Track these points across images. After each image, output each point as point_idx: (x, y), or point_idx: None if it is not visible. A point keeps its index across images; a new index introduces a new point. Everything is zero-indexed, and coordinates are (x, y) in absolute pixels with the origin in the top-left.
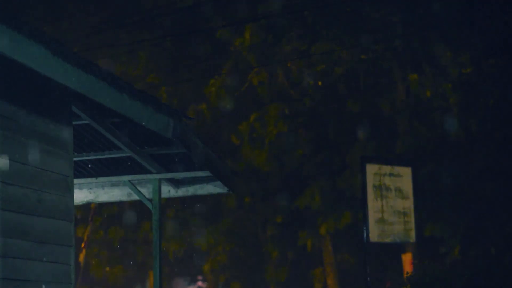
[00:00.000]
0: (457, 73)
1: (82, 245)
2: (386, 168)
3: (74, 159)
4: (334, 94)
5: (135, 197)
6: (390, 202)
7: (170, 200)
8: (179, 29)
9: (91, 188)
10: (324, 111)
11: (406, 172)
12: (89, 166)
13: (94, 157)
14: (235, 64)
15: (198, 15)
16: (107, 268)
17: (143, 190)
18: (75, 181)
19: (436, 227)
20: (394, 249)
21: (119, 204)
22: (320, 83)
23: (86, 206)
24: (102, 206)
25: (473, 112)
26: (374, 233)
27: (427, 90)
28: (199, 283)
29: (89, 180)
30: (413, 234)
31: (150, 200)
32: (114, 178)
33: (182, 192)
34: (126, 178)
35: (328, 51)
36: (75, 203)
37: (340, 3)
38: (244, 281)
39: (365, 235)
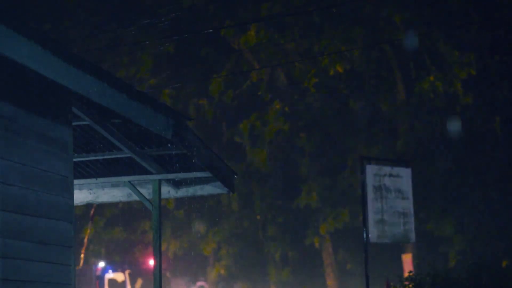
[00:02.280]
0: (465, 73)
1: (83, 247)
2: (386, 169)
3: (74, 159)
4: (336, 94)
5: (135, 197)
6: (390, 203)
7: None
8: (182, 28)
9: (91, 189)
10: (325, 110)
11: (405, 173)
12: (89, 166)
13: (94, 158)
14: (238, 62)
15: (202, 14)
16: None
17: (143, 191)
18: (75, 181)
19: (438, 226)
20: (394, 249)
21: (119, 204)
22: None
23: (87, 206)
24: (102, 206)
25: (481, 111)
26: (374, 234)
27: (433, 90)
28: (199, 283)
29: (89, 180)
30: (413, 234)
31: (150, 201)
32: (114, 179)
33: (182, 192)
34: (126, 178)
35: (331, 49)
36: (75, 204)
37: (345, 1)
38: (246, 281)
39: (365, 235)
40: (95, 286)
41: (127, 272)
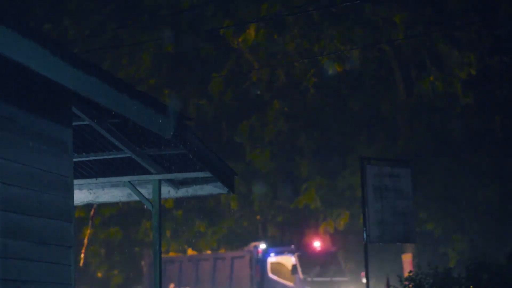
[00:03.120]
0: (465, 74)
1: (83, 247)
2: (386, 169)
3: (74, 159)
4: (336, 94)
5: (135, 197)
6: (390, 203)
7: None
8: (181, 28)
9: (91, 189)
10: (325, 110)
11: (405, 173)
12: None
13: (94, 158)
14: (238, 62)
15: (201, 13)
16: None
17: (143, 191)
18: (75, 181)
19: (438, 227)
20: (394, 249)
21: (119, 204)
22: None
23: (87, 206)
24: (102, 206)
25: (481, 111)
26: (374, 234)
27: (433, 90)
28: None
29: (89, 180)
30: (413, 234)
31: (150, 201)
32: (114, 179)
33: (182, 192)
34: (126, 178)
35: (331, 48)
36: (75, 204)
37: (345, 1)
38: None
39: (365, 235)
40: (255, 270)
41: (296, 255)
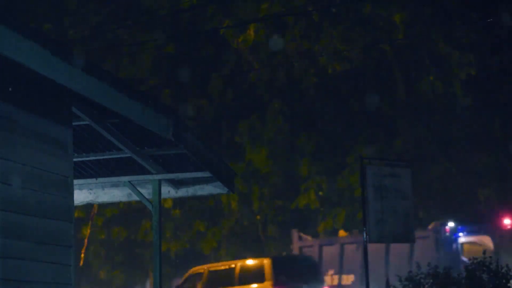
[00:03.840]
0: (465, 74)
1: (83, 247)
2: (386, 169)
3: (74, 159)
4: (335, 93)
5: (135, 197)
6: (390, 203)
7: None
8: (181, 27)
9: (91, 189)
10: (324, 110)
11: (405, 173)
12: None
13: (94, 158)
14: (238, 62)
15: (201, 13)
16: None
17: (143, 191)
18: (75, 181)
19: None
20: None
21: (119, 204)
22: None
23: (87, 206)
24: (102, 206)
25: (480, 111)
26: (374, 234)
27: (432, 90)
28: None
29: (89, 180)
30: (413, 234)
31: (150, 201)
32: (114, 179)
33: (182, 192)
34: (126, 178)
35: (330, 49)
36: (75, 204)
37: (345, 1)
38: None
39: (365, 235)
40: (442, 253)
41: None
